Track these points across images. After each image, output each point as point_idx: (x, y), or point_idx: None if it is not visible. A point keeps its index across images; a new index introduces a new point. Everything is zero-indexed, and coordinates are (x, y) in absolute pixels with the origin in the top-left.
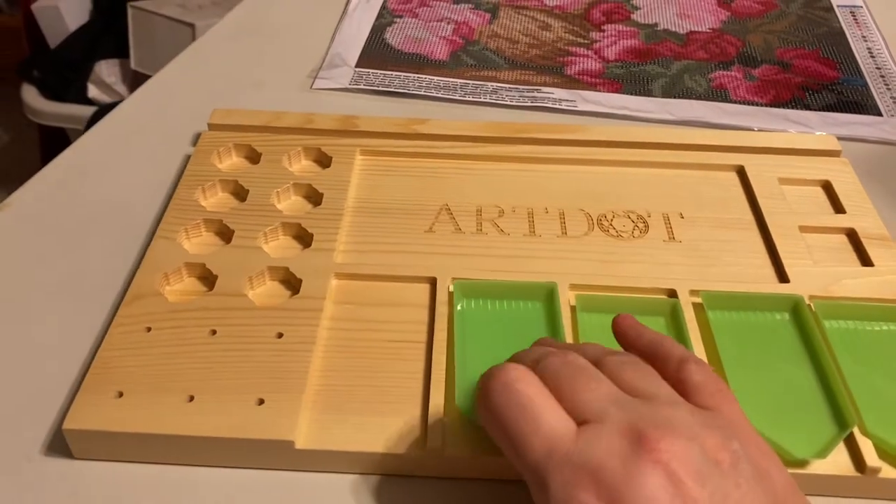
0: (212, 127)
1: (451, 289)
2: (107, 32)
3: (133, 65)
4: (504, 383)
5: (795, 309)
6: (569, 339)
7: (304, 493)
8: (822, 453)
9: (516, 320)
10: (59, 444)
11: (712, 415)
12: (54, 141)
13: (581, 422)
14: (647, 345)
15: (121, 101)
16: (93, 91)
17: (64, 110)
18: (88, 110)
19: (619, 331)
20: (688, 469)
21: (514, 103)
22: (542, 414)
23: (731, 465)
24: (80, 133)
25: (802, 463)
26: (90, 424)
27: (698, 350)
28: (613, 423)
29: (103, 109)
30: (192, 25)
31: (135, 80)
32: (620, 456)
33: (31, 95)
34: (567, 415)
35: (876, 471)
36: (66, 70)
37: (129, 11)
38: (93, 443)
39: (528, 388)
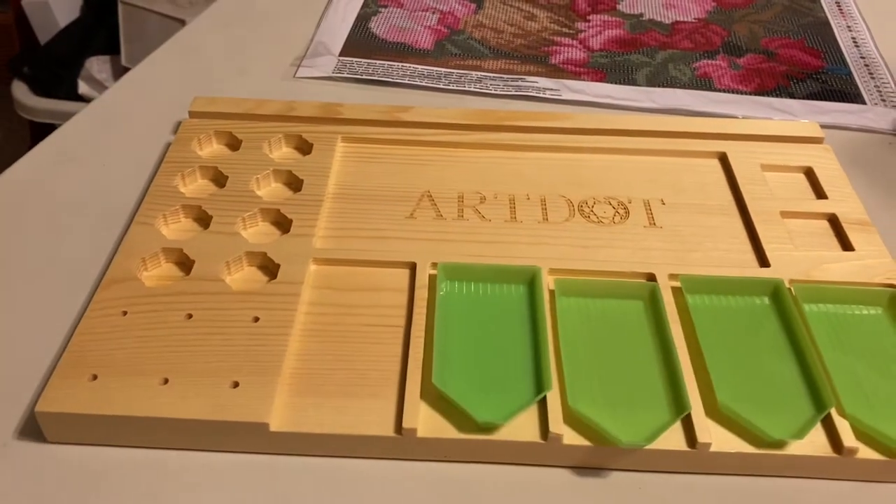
0: (193, 114)
1: (435, 271)
2: (98, 28)
3: (124, 61)
4: None
5: (775, 293)
6: (548, 322)
7: (279, 476)
8: (799, 434)
9: (498, 303)
10: (33, 429)
11: None
12: (44, 137)
13: None
14: None
15: None
16: (83, 87)
17: (55, 107)
18: (79, 107)
19: None
20: None
21: (498, 92)
22: None
23: None
24: None
25: (780, 444)
26: (63, 407)
27: (677, 334)
28: None
29: None
30: (182, 21)
31: None
32: None
33: (21, 92)
34: None
35: (853, 451)
36: (56, 66)
37: (120, 7)
38: (66, 426)
39: None
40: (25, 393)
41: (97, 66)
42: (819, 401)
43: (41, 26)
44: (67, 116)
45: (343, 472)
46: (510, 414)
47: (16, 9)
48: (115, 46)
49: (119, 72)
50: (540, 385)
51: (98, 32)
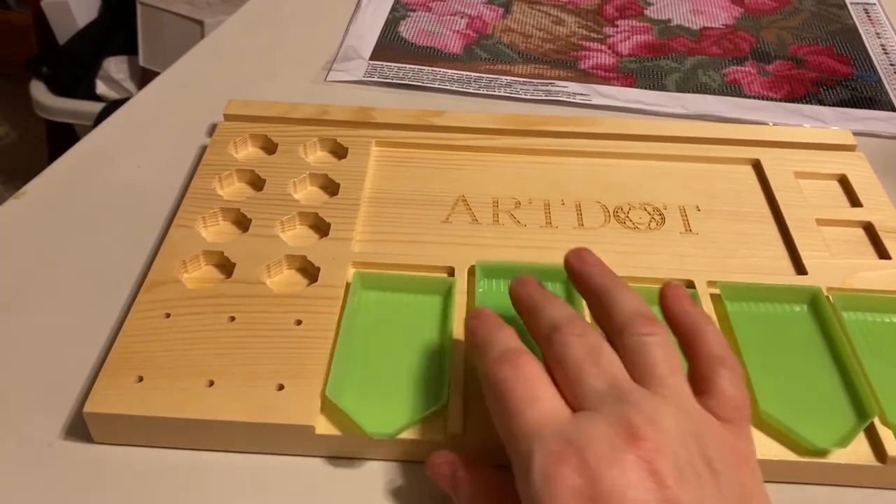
0: (228, 117)
1: (474, 271)
2: (116, 29)
3: (142, 61)
4: (509, 359)
5: (814, 301)
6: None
7: (323, 478)
8: (843, 443)
9: None
10: (80, 429)
11: (718, 429)
12: (62, 137)
13: (577, 409)
14: (687, 325)
15: (129, 97)
16: (101, 87)
17: (72, 106)
18: (97, 106)
19: (664, 302)
20: (670, 471)
21: (527, 97)
22: (540, 395)
23: (713, 479)
24: (88, 129)
25: (823, 452)
26: (110, 408)
27: None
28: (609, 413)
29: (112, 106)
30: (200, 22)
31: (143, 77)
32: (609, 441)
33: (39, 91)
34: (563, 402)
35: None
36: (74, 66)
37: (138, 8)
38: (113, 427)
39: (529, 371)
40: (71, 394)
41: (115, 66)
42: (861, 409)
43: (60, 26)
44: (85, 116)
45: (387, 474)
46: None
47: (35, 9)
48: (133, 47)
49: (137, 72)
50: None
51: (116, 33)
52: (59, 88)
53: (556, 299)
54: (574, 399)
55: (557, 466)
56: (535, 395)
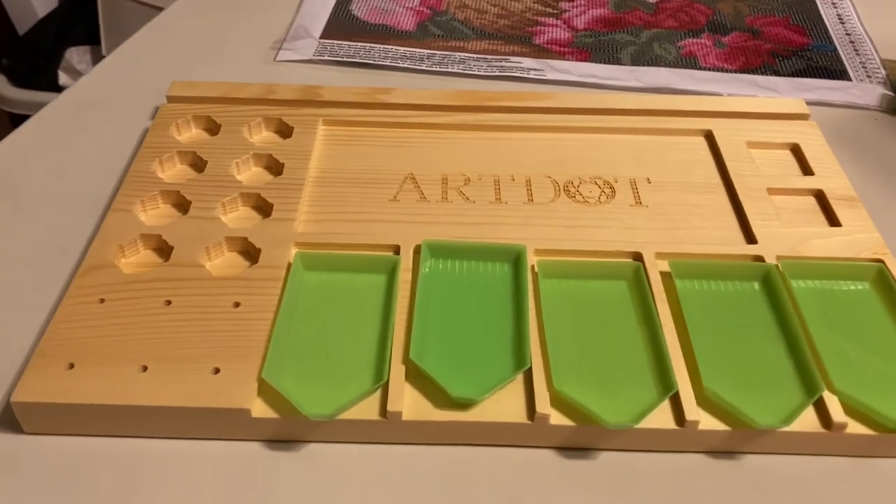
0: (170, 99)
1: (420, 248)
2: (77, 18)
3: (104, 51)
4: None
5: (766, 278)
6: (531, 300)
7: (263, 462)
8: (787, 421)
9: (482, 282)
10: (9, 420)
11: None
12: None
13: None
14: None
15: None
16: (64, 78)
17: (34, 98)
18: None
19: None
20: None
21: (481, 73)
22: None
23: None
24: None
25: (767, 430)
26: (39, 397)
27: (664, 313)
28: None
29: None
30: (162, 10)
31: None
32: None
33: (0, 83)
34: None
35: (842, 427)
36: (35, 57)
37: None
38: (43, 416)
39: None
40: (2, 383)
41: (77, 56)
42: (809, 385)
43: (19, 17)
44: None
45: (327, 456)
46: (486, 390)
47: None
48: (96, 36)
49: (100, 62)
50: (519, 362)
51: (77, 22)
52: (19, 80)
53: None
54: None
55: None
56: None
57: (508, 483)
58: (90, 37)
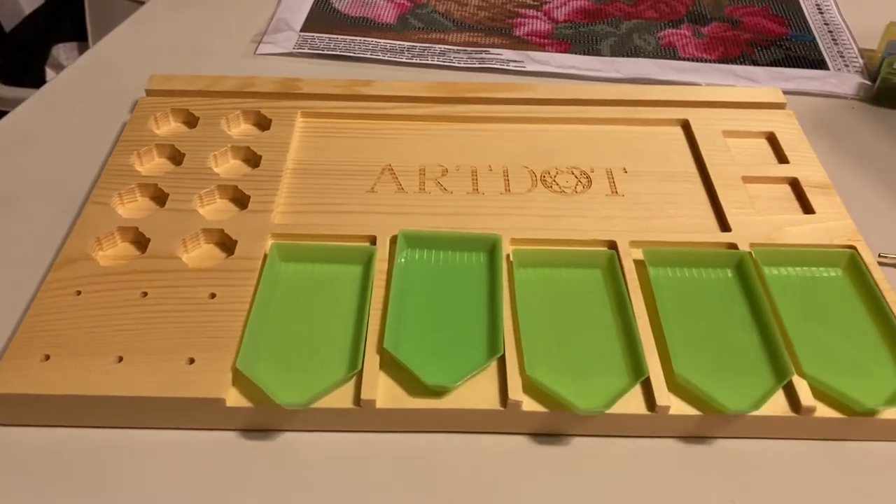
0: (149, 93)
1: (396, 239)
2: (64, 15)
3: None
4: None
5: (740, 265)
6: (505, 289)
7: (238, 451)
8: (756, 405)
9: (458, 272)
10: None
11: None
12: None
13: None
14: None
15: None
16: (51, 75)
17: (21, 95)
18: None
19: None
20: None
21: (461, 65)
22: None
23: None
24: None
25: (737, 414)
26: (15, 388)
27: (637, 301)
28: None
29: None
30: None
31: None
32: None
33: None
34: None
35: (811, 410)
36: (22, 54)
37: None
38: (18, 408)
39: None
40: None
41: (65, 53)
42: (779, 371)
43: (5, 13)
44: None
45: (301, 445)
46: (460, 377)
47: None
48: (83, 33)
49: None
50: (493, 349)
51: (64, 19)
52: (6, 77)
53: None
54: None
55: None
56: None
57: (482, 469)
58: (77, 33)
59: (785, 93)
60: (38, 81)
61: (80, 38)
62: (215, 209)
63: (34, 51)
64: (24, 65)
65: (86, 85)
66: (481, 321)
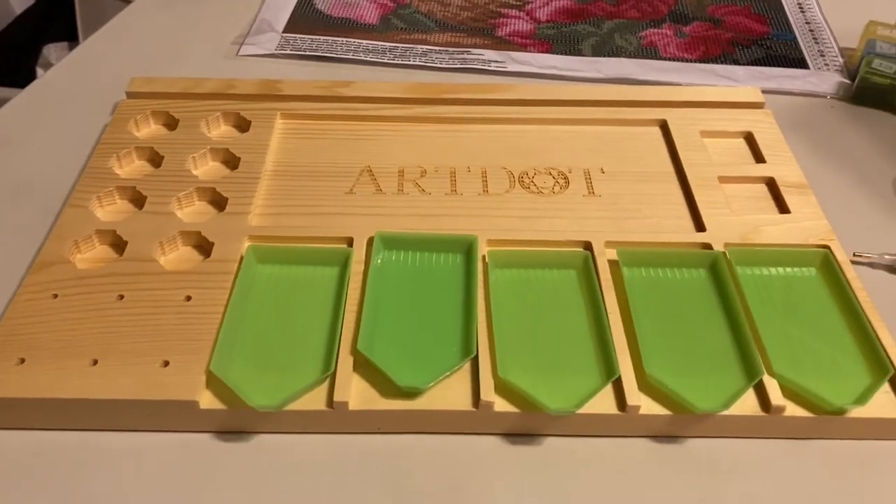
0: (130, 95)
1: (373, 240)
2: (54, 15)
3: None
4: None
5: (714, 265)
6: (480, 290)
7: (212, 453)
8: (726, 405)
9: (434, 273)
10: None
11: None
12: None
13: None
14: None
15: None
16: (41, 75)
17: (11, 95)
18: None
19: None
20: None
21: (443, 65)
22: None
23: None
24: None
25: (707, 414)
26: None
27: (611, 301)
28: None
29: None
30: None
31: None
32: None
33: None
34: None
35: (781, 409)
36: (12, 54)
37: None
38: None
39: None
40: None
41: (55, 53)
42: (750, 371)
43: None
44: None
45: (275, 447)
46: (433, 378)
47: None
48: (74, 33)
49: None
50: (466, 350)
51: (55, 19)
52: None
53: None
54: None
55: None
56: None
57: (455, 470)
58: (68, 33)
59: (765, 92)
60: (28, 81)
61: (70, 38)
62: (193, 211)
63: (24, 51)
64: (14, 65)
65: (68, 86)
66: (455, 322)
